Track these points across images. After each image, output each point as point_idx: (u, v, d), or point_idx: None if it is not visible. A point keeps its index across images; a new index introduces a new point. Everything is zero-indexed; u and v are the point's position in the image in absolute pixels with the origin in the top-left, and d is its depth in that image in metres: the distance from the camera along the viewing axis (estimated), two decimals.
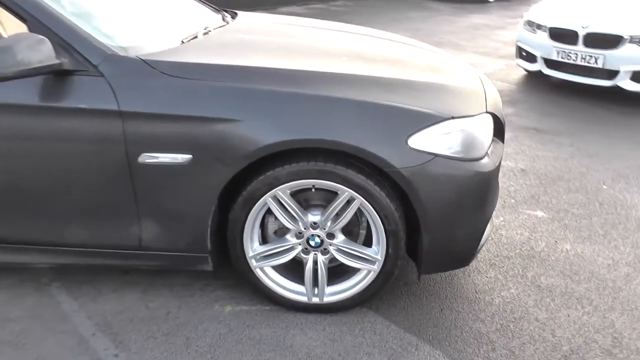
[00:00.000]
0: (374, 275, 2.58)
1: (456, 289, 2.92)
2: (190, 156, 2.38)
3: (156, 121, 2.36)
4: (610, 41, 5.90)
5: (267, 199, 2.45)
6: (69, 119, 2.36)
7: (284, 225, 2.54)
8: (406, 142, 2.37)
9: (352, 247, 2.56)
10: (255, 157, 2.36)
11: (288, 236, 2.58)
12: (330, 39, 3.37)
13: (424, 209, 2.44)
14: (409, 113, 2.43)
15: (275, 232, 2.66)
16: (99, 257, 2.65)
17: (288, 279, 2.67)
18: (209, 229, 2.52)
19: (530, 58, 6.75)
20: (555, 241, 3.41)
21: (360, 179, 2.40)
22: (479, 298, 2.85)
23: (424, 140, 2.39)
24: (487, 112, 2.68)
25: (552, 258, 3.23)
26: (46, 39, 2.26)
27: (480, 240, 2.66)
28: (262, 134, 2.34)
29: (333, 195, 2.52)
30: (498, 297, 2.87)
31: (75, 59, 2.35)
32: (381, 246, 2.52)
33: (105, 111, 2.34)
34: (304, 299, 2.66)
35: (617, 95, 6.27)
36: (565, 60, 6.25)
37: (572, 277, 3.07)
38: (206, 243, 2.55)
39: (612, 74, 5.97)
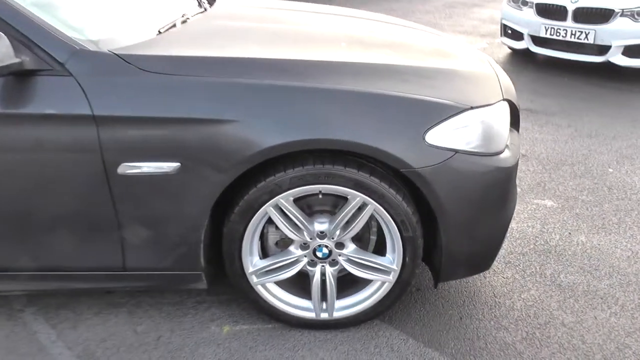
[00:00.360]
0: (389, 287, 2.32)
1: (473, 294, 2.67)
2: (177, 164, 2.07)
3: (136, 126, 2.04)
4: (600, 15, 5.69)
5: (268, 209, 2.16)
6: (34, 128, 2.02)
7: (286, 236, 2.26)
8: (424, 138, 2.10)
9: (365, 257, 2.29)
10: (255, 162, 2.06)
11: (292, 248, 2.29)
12: (322, 23, 3.06)
13: (444, 212, 2.17)
14: (425, 105, 2.15)
15: (276, 243, 2.38)
16: (78, 280, 2.33)
17: (293, 294, 2.39)
18: (201, 245, 2.22)
19: (517, 36, 6.52)
20: (569, 233, 3.19)
21: (373, 182, 2.12)
22: (499, 302, 2.61)
23: (442, 135, 2.12)
24: (503, 99, 2.41)
25: (569, 252, 3.01)
26: (2, 34, 1.92)
27: (502, 241, 2.42)
28: (262, 135, 2.03)
29: (341, 199, 2.24)
30: (519, 300, 2.64)
31: (38, 56, 2.01)
32: (397, 254, 2.25)
33: (77, 117, 2.01)
34: (311, 315, 2.38)
35: (609, 72, 6.09)
36: (554, 37, 6.03)
37: (592, 272, 2.85)
38: (199, 260, 2.25)
39: (604, 49, 5.77)
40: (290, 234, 2.22)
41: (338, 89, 2.10)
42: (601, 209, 3.46)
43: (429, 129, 2.11)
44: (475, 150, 2.18)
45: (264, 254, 2.37)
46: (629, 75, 6.03)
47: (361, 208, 2.17)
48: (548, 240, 3.12)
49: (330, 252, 2.27)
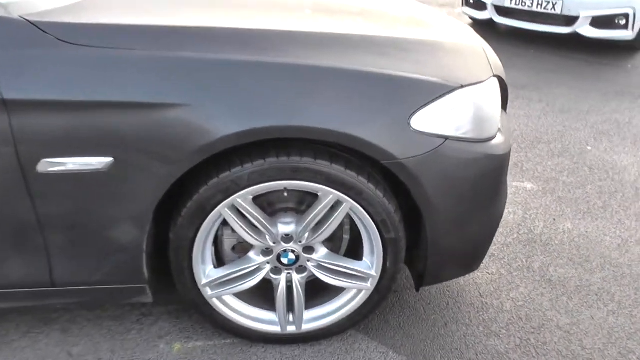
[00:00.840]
0: (367, 295, 1.98)
1: (457, 294, 2.36)
2: (110, 159, 1.65)
3: (57, 112, 1.61)
4: None
5: (223, 210, 1.77)
6: None
7: (245, 240, 1.89)
8: (409, 123, 1.74)
9: (338, 263, 1.93)
10: (205, 156, 1.67)
11: (252, 254, 1.92)
12: None
13: (432, 208, 1.83)
14: (410, 83, 1.78)
15: (233, 249, 2.00)
16: (2, 300, 1.92)
17: (254, 305, 2.02)
18: (144, 254, 1.82)
19: (479, 6, 6.21)
20: (554, 219, 2.92)
21: (349, 176, 1.75)
22: (487, 304, 2.31)
23: (430, 120, 1.77)
24: (493, 75, 2.07)
25: (556, 241, 2.73)
26: None
27: (492, 239, 2.11)
28: (213, 122, 1.63)
29: (310, 195, 1.88)
30: (507, 299, 2.34)
31: None
32: (376, 259, 1.90)
33: None
34: (276, 329, 2.02)
35: (577, 43, 5.85)
36: (519, 7, 5.74)
37: (583, 265, 2.58)
38: (142, 271, 1.86)
39: (571, 20, 5.53)
40: (250, 239, 1.85)
41: (305, 65, 1.70)
42: (584, 192, 3.20)
43: (414, 112, 1.75)
44: (467, 137, 1.84)
45: (219, 261, 1.99)
46: (596, 47, 5.81)
47: (334, 207, 1.81)
48: (532, 228, 2.84)
49: (298, 257, 1.90)
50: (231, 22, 1.88)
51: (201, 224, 1.78)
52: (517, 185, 3.22)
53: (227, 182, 1.72)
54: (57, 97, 1.60)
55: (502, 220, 2.84)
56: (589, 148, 3.73)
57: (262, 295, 2.03)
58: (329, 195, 1.77)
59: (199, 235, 1.80)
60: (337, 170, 1.74)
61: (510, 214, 2.94)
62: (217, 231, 1.92)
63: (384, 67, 1.78)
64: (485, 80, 1.95)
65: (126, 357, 2.02)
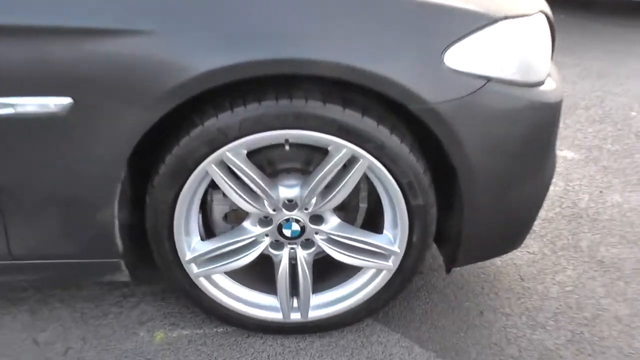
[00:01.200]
0: (388, 276, 1.60)
1: (494, 277, 1.98)
2: (69, 100, 1.30)
3: (3, 39, 1.27)
4: None
5: (209, 167, 1.40)
6: None
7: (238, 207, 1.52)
8: (442, 59, 1.36)
9: (353, 236, 1.56)
10: (185, 97, 1.30)
11: (247, 223, 1.54)
12: None
13: (470, 168, 1.45)
14: (444, 11, 1.40)
15: (225, 217, 1.63)
16: None
17: (250, 287, 1.66)
18: (115, 220, 1.46)
19: None
20: (600, 191, 2.52)
21: (367, 125, 1.37)
22: (529, 289, 1.93)
23: (467, 56, 1.38)
24: (541, 11, 1.66)
25: (604, 217, 2.33)
26: None
27: (539, 209, 1.72)
28: (195, 53, 1.27)
29: (318, 152, 1.50)
30: (553, 284, 1.96)
31: None
32: (400, 231, 1.52)
33: None
34: (277, 316, 1.65)
35: (608, 7, 5.38)
36: None
37: (638, 243, 2.19)
38: (114, 242, 1.50)
39: None
40: (244, 205, 1.47)
41: None
42: (632, 161, 2.78)
43: (448, 46, 1.37)
44: (513, 79, 1.45)
45: (208, 232, 1.63)
46: (629, 10, 5.33)
47: (349, 165, 1.44)
48: (576, 201, 2.44)
49: (303, 229, 1.53)
50: None
51: (183, 184, 1.41)
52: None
53: (214, 131, 1.35)
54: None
55: None
56: (633, 114, 3.30)
57: (260, 275, 1.67)
58: (341, 149, 1.39)
59: (180, 198, 1.43)
60: (351, 117, 1.36)
61: (551, 185, 2.54)
62: (206, 196, 1.56)
63: None
64: (532, 14, 1.55)
65: (99, 346, 1.68)
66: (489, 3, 1.47)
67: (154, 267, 1.84)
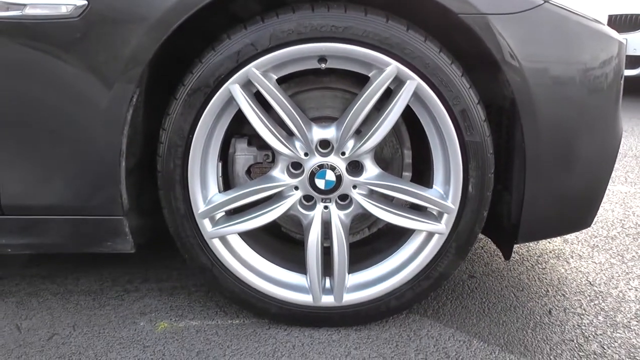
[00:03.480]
0: (440, 242, 1.31)
1: (558, 282, 1.65)
2: (84, 2, 1.13)
3: None
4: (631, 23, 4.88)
5: (233, 88, 1.19)
6: None
7: (266, 152, 1.29)
8: None
9: (398, 186, 1.29)
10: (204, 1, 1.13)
11: (275, 171, 1.29)
12: None
13: (533, 110, 1.22)
14: None
15: (248, 171, 1.39)
16: None
17: (272, 261, 1.37)
18: (122, 160, 1.23)
19: (632, 61, 5.40)
20: None
21: (414, 39, 1.17)
22: (603, 292, 1.59)
23: None
24: None
25: None
26: None
27: (609, 177, 1.44)
28: None
29: (353, 90, 1.30)
30: (629, 288, 1.61)
31: None
32: (453, 181, 1.26)
33: None
34: (305, 298, 1.34)
35: None
36: None
37: None
38: (118, 192, 1.25)
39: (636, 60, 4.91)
40: (273, 140, 1.23)
41: None
42: None
43: None
44: (571, 7, 1.25)
45: (227, 189, 1.37)
46: None
47: (391, 92, 1.22)
48: (638, 222, 2.13)
49: (339, 179, 1.28)
50: None
51: (203, 108, 1.19)
52: (609, 189, 2.54)
53: (241, 43, 1.16)
54: None
55: (600, 216, 2.17)
56: None
57: (285, 246, 1.39)
58: (384, 68, 1.18)
59: (199, 128, 1.20)
60: (396, 29, 1.16)
61: (609, 211, 2.24)
62: (227, 142, 1.33)
63: None
64: None
65: (90, 333, 1.37)
66: None
67: (161, 267, 1.60)
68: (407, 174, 1.42)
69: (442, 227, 1.29)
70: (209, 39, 1.21)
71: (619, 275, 1.70)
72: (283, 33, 1.15)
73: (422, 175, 1.39)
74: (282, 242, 1.47)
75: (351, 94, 1.34)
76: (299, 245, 1.40)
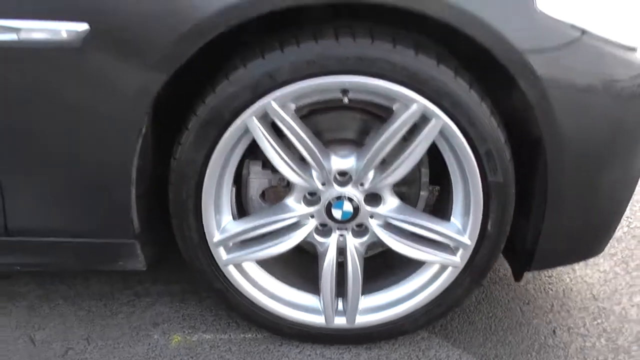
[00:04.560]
0: (454, 275, 1.27)
1: (563, 294, 1.62)
2: (84, 26, 1.02)
3: None
4: None
5: (250, 121, 1.10)
6: None
7: (281, 180, 1.22)
8: (534, 0, 1.08)
9: (415, 221, 1.24)
10: (224, 26, 1.02)
11: (290, 200, 1.22)
12: None
13: (558, 135, 1.14)
14: None
15: (263, 195, 1.32)
16: None
17: (287, 283, 1.33)
18: (132, 187, 1.16)
19: None
20: None
21: (443, 74, 1.08)
22: (605, 309, 1.56)
23: (562, 1, 1.10)
24: None
25: None
26: None
27: (628, 202, 1.39)
28: None
29: (378, 121, 1.22)
30: (631, 305, 1.59)
31: None
32: (472, 218, 1.20)
33: None
34: (317, 320, 1.31)
35: None
36: None
37: None
38: (129, 218, 1.19)
39: None
40: (289, 172, 1.16)
41: None
42: None
43: None
44: (609, 37, 1.15)
45: (241, 213, 1.31)
46: None
47: (416, 130, 1.14)
48: None
49: (357, 210, 1.21)
50: None
51: (217, 141, 1.11)
52: None
53: (259, 74, 1.06)
54: None
55: None
56: None
57: (300, 269, 1.35)
58: (410, 104, 1.10)
59: (212, 161, 1.13)
60: (426, 64, 1.07)
61: None
62: (240, 166, 1.26)
63: None
64: None
65: (105, 347, 1.35)
66: None
67: (171, 267, 1.55)
68: (424, 193, 1.36)
69: (457, 260, 1.24)
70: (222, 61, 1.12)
71: (622, 288, 1.67)
72: (305, 64, 1.06)
73: (439, 208, 1.33)
74: (293, 255, 1.42)
75: (370, 115, 1.26)
76: (311, 257, 1.35)
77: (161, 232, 1.29)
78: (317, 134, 1.23)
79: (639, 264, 1.81)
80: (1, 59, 1.05)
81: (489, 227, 1.21)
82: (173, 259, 1.63)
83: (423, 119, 1.12)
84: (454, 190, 1.21)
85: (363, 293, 1.30)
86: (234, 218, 1.25)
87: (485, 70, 1.13)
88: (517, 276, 1.41)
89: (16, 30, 1.03)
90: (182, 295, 1.53)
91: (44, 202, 1.20)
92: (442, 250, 1.25)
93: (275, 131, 1.14)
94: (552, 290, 1.64)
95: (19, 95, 1.09)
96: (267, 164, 1.28)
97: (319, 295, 1.30)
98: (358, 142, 1.25)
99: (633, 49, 1.20)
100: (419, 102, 1.09)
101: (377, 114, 1.22)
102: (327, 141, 1.24)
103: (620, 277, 1.73)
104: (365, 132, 1.25)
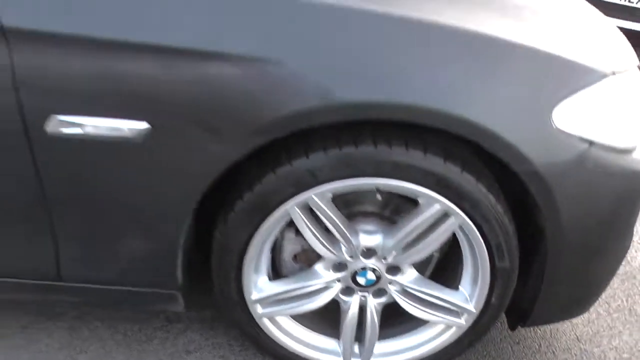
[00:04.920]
0: (458, 333, 1.46)
1: (550, 335, 1.82)
2: (146, 125, 1.14)
3: (79, 51, 1.10)
4: None
5: (292, 210, 1.25)
6: None
7: (312, 248, 1.37)
8: (550, 117, 1.21)
9: (429, 291, 1.41)
10: (280, 133, 1.15)
11: (320, 267, 1.39)
12: None
13: (561, 235, 1.30)
14: (555, 63, 1.24)
15: (295, 257, 1.48)
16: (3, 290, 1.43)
17: (309, 328, 1.51)
18: (179, 253, 1.31)
19: None
20: None
21: (466, 181, 1.22)
22: (587, 351, 1.76)
23: (572, 115, 1.23)
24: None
25: None
26: None
27: (614, 275, 1.57)
28: (299, 87, 1.12)
29: (399, 198, 1.36)
30: (610, 348, 1.79)
31: None
32: (479, 291, 1.37)
33: None
34: None
35: None
36: (618, 2, 4.31)
37: None
38: (174, 274, 1.35)
39: None
40: (322, 250, 1.32)
41: (427, 22, 1.17)
42: None
43: (557, 103, 1.22)
44: (612, 144, 1.29)
45: (274, 270, 1.47)
46: None
47: (438, 219, 1.29)
48: (629, 259, 2.28)
49: (379, 278, 1.38)
50: None
51: (260, 224, 1.26)
52: None
53: (303, 172, 1.20)
54: (78, 31, 1.10)
55: None
56: None
57: (322, 316, 1.52)
58: (434, 203, 1.24)
59: (255, 239, 1.28)
60: (452, 171, 1.21)
61: None
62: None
63: (522, 36, 1.24)
64: (630, 69, 1.40)
65: None
66: (595, 53, 1.33)
67: (200, 290, 1.70)
68: (433, 262, 1.52)
69: (462, 322, 1.42)
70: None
71: (604, 330, 1.87)
72: (344, 167, 1.19)
73: (448, 268, 1.49)
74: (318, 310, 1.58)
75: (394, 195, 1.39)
76: (332, 304, 1.51)
77: (202, 281, 1.45)
78: (346, 204, 1.38)
79: (620, 305, 2.00)
80: (68, 147, 1.17)
81: (493, 299, 1.38)
82: (204, 282, 1.82)
83: (445, 213, 1.27)
84: (464, 266, 1.37)
85: (379, 338, 1.48)
86: (269, 277, 1.41)
87: (501, 174, 1.27)
88: (512, 327, 1.59)
89: (81, 125, 1.14)
90: (212, 323, 1.70)
91: (96, 258, 1.35)
92: (449, 314, 1.42)
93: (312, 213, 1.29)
94: (540, 330, 1.84)
95: (83, 174, 1.21)
96: (299, 232, 1.43)
97: (339, 339, 1.49)
98: (380, 214, 1.40)
99: (630, 151, 1.34)
100: (443, 203, 1.23)
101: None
102: (353, 212, 1.39)
103: (602, 318, 1.93)
104: (387, 204, 1.39)
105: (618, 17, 4.27)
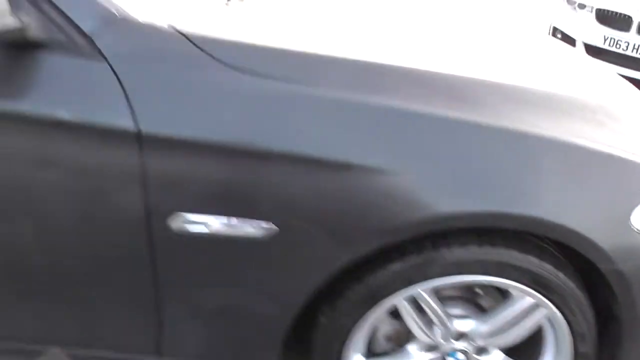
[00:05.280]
0: None
1: None
2: (273, 227, 1.23)
3: (211, 156, 1.19)
4: None
5: (399, 301, 1.36)
6: (35, 137, 1.17)
7: (407, 330, 1.47)
8: (629, 219, 1.33)
9: None
10: (401, 237, 1.26)
11: (412, 348, 1.49)
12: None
13: (637, 323, 1.42)
14: (634, 168, 1.37)
15: (389, 337, 1.57)
16: None
17: None
18: (281, 337, 1.40)
19: (567, 41, 5.54)
20: None
21: (558, 278, 1.34)
22: None
23: None
24: None
25: None
26: None
27: None
28: (421, 197, 1.23)
29: (490, 287, 1.47)
30: None
31: (52, 21, 1.15)
32: None
33: (109, 130, 1.16)
34: None
35: None
36: (614, 49, 5.09)
37: None
38: (273, 354, 1.44)
39: None
40: (421, 335, 1.43)
41: (534, 135, 1.28)
42: None
43: (635, 206, 1.34)
44: None
45: (369, 351, 1.54)
46: None
47: (529, 310, 1.40)
48: None
49: (467, 358, 1.49)
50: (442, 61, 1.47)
51: (366, 312, 1.37)
52: None
53: (412, 268, 1.30)
54: (212, 138, 1.19)
55: None
56: None
57: None
58: (527, 297, 1.36)
59: (358, 324, 1.39)
60: (547, 270, 1.32)
61: None
62: None
63: (602, 141, 1.36)
64: None
65: None
66: None
67: None
68: None
69: None
70: None
71: None
72: (453, 266, 1.30)
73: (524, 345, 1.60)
74: None
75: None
76: None
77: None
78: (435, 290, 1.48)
79: None
80: (194, 243, 1.25)
81: None
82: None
83: (536, 305, 1.38)
84: (545, 349, 1.48)
85: None
86: (364, 356, 1.50)
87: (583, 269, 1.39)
88: None
89: (205, 224, 1.23)
90: None
91: (199, 339, 1.42)
92: None
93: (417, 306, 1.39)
94: None
95: (200, 266, 1.30)
96: (393, 313, 1.52)
97: None
98: (468, 298, 1.51)
99: None
100: (535, 297, 1.35)
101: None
102: (442, 296, 1.48)
103: None
104: (472, 290, 1.50)
105: None
